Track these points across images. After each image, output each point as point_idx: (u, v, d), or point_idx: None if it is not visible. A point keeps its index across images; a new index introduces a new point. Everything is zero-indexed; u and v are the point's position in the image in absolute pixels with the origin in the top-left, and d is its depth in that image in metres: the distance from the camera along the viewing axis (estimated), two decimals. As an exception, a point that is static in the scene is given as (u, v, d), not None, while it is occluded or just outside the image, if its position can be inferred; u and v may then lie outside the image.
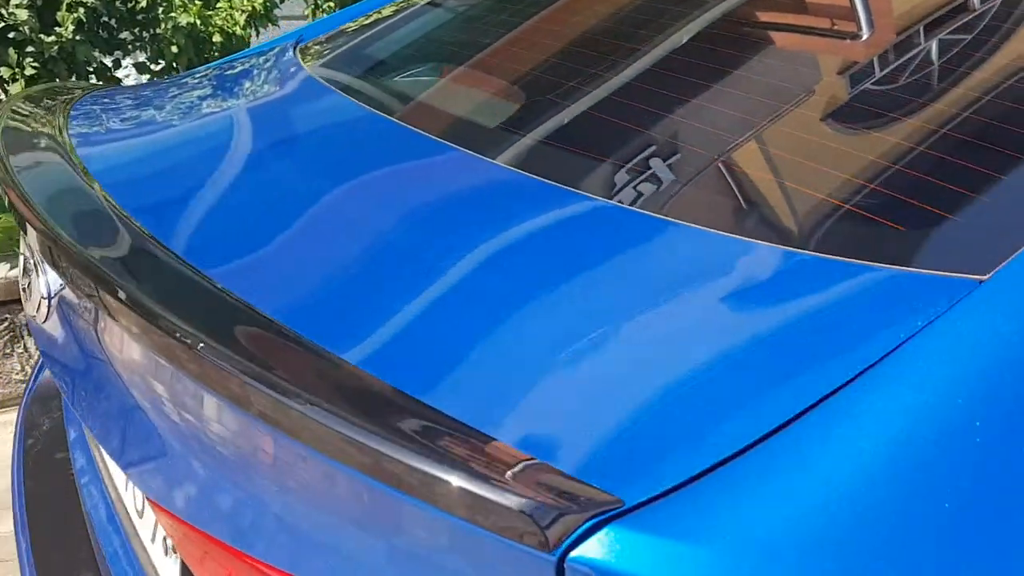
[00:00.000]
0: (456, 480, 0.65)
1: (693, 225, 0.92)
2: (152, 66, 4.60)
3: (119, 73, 4.75)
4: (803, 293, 0.83)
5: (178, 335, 0.81)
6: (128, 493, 1.20)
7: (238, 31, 4.59)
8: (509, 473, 0.65)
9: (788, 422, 0.67)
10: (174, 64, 4.49)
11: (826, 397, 0.68)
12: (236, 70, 1.66)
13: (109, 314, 0.94)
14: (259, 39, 5.06)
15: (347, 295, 0.91)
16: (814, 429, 0.67)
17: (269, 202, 1.10)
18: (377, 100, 1.33)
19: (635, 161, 1.06)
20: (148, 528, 1.12)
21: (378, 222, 1.00)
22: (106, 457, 1.21)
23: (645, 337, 0.78)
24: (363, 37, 1.70)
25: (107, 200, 1.08)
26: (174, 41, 4.32)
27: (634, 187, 1.01)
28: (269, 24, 4.72)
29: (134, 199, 1.10)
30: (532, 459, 0.66)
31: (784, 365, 0.73)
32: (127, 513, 1.20)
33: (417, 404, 0.72)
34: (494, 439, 0.69)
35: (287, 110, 1.39)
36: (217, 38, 4.50)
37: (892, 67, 1.12)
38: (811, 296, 0.83)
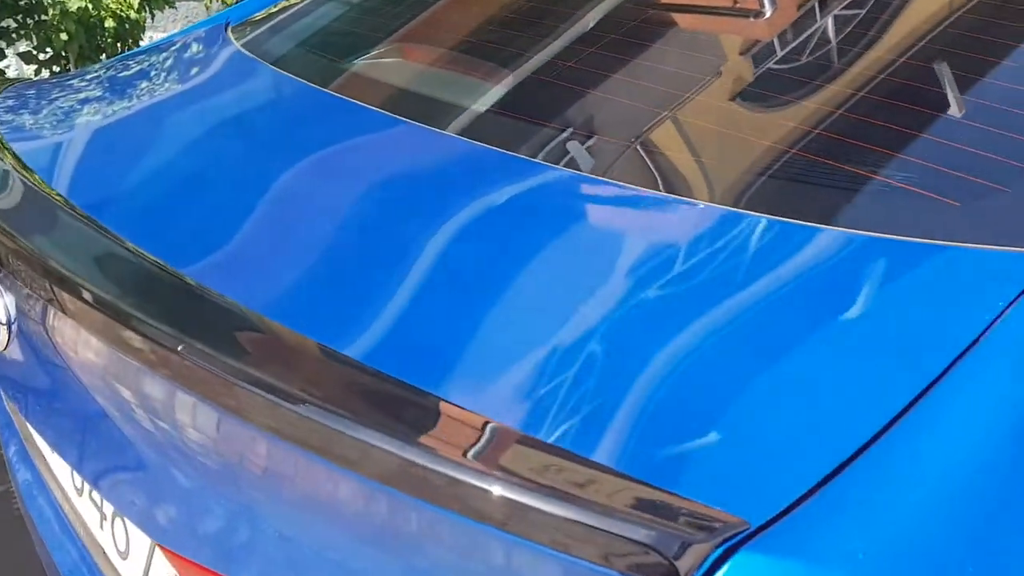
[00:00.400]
0: (560, 511, 0.59)
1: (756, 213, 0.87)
2: (39, 55, 4.30)
3: (0, 64, 4.43)
4: (876, 279, 0.79)
5: (153, 336, 0.78)
6: (85, 503, 1.15)
7: (132, 15, 4.32)
8: (619, 499, 0.60)
9: (897, 416, 0.63)
10: (63, 52, 4.21)
11: (930, 386, 0.65)
12: (170, 56, 1.57)
13: (75, 317, 0.88)
14: (154, 23, 4.80)
15: (349, 291, 0.85)
16: (924, 422, 0.63)
17: (230, 189, 1.06)
18: (328, 79, 1.29)
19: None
20: (109, 537, 1.08)
21: (346, 204, 0.98)
22: (55, 469, 1.17)
23: (726, 332, 0.73)
24: (302, 15, 1.62)
25: (58, 198, 1.02)
26: (63, 28, 4.03)
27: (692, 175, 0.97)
28: (165, 6, 4.46)
29: (86, 195, 1.04)
30: (639, 480, 0.61)
31: (878, 355, 0.69)
32: (84, 524, 1.16)
33: (490, 422, 0.66)
34: (594, 461, 0.62)
35: (233, 94, 1.33)
36: (110, 23, 4.22)
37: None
38: (888, 282, 0.78)
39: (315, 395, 0.70)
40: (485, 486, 0.61)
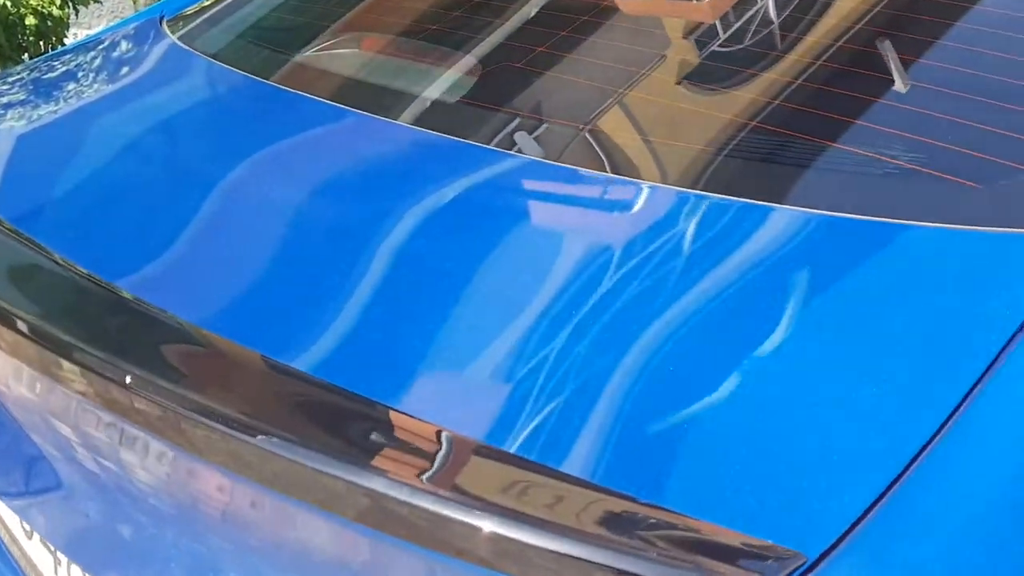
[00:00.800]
0: (613, 561, 0.54)
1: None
2: (-44, 56, 4.07)
3: (-86, 67, 4.19)
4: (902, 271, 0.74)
5: (93, 366, 0.72)
6: (36, 547, 1.08)
7: (55, 11, 4.12)
8: (672, 541, 0.55)
9: (942, 426, 0.60)
10: (-18, 53, 3.99)
11: (973, 389, 0.62)
12: (103, 53, 1.47)
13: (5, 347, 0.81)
14: (78, 19, 4.59)
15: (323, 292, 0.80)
16: (972, 426, 0.60)
17: (178, 193, 1.00)
18: (272, 71, 1.24)
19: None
20: (39, 549, 1.02)
21: (295, 200, 0.95)
22: (1, 512, 1.09)
23: (745, 343, 0.68)
24: (240, 6, 1.54)
25: None
26: (-20, 27, 3.83)
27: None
28: (90, 1, 4.26)
29: (13, 208, 0.97)
30: (686, 517, 0.56)
31: (912, 362, 0.65)
32: (13, 538, 1.10)
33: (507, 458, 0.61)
34: (637, 499, 0.57)
35: (173, 91, 1.27)
36: (31, 20, 4.02)
37: None
38: (920, 274, 0.73)
39: (280, 431, 0.65)
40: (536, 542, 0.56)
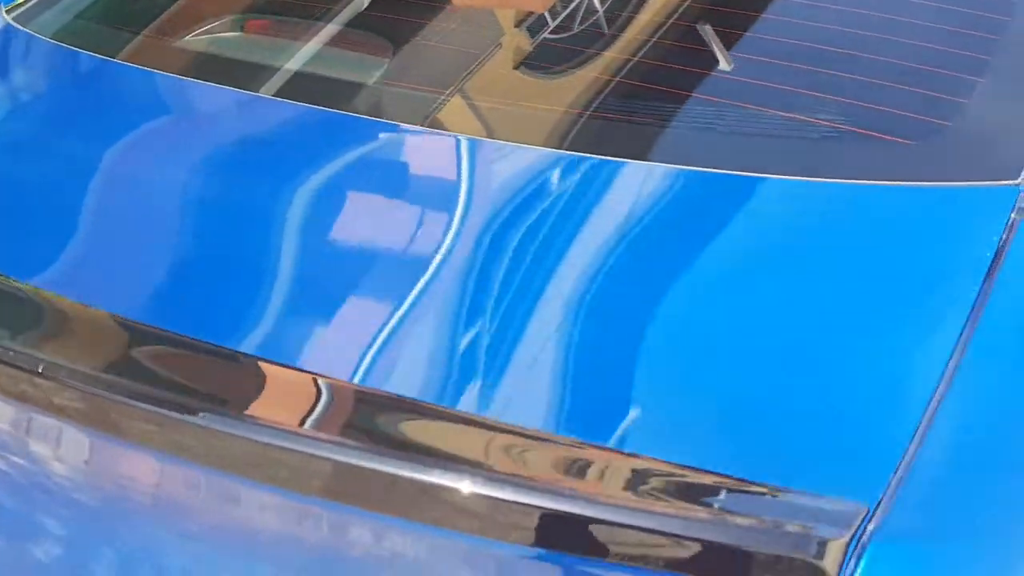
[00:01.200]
0: (686, 530, 0.56)
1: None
2: None
3: None
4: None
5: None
6: None
7: None
8: (738, 506, 0.57)
9: (950, 359, 0.62)
10: None
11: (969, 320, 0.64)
12: None
13: None
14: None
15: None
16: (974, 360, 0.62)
17: (31, 184, 0.98)
18: (118, 50, 1.19)
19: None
20: None
21: (159, 180, 0.93)
22: None
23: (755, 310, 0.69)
24: None
25: None
26: None
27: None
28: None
29: None
30: (747, 481, 0.58)
31: (906, 307, 0.68)
32: None
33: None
34: (700, 468, 0.58)
35: (13, 76, 1.23)
36: None
37: None
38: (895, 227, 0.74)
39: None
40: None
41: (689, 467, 0.58)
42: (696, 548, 0.55)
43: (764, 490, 0.57)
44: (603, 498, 0.59)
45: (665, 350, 0.68)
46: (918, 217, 0.74)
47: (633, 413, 0.64)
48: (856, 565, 0.53)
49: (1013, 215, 0.70)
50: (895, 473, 0.56)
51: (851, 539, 0.54)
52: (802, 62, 0.93)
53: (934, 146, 0.81)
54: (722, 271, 0.71)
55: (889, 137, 0.83)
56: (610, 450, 0.61)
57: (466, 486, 0.59)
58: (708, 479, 0.58)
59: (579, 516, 0.57)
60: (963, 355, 0.62)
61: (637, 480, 0.60)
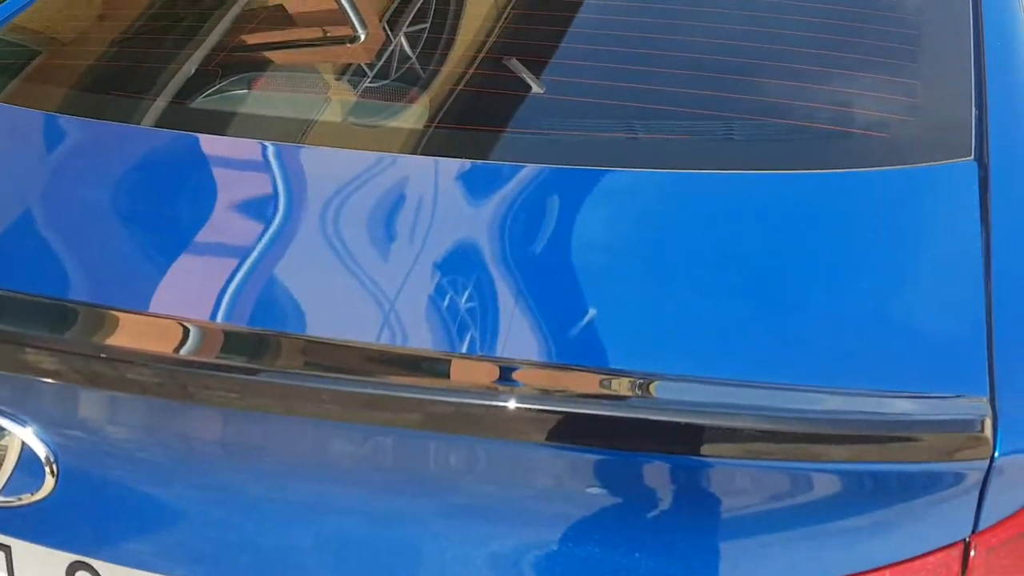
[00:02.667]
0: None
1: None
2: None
3: None
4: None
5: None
6: None
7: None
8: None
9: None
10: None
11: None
12: None
13: None
14: None
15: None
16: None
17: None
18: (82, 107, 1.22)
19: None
20: None
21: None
22: None
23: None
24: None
25: None
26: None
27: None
28: None
29: None
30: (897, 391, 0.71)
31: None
32: None
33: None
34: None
35: None
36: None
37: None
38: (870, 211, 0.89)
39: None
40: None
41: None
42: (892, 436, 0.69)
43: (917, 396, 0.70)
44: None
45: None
46: (917, 188, 0.91)
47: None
48: (998, 429, 0.68)
49: (980, 173, 0.90)
50: (991, 359, 0.71)
51: (991, 414, 0.68)
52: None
53: (902, 137, 0.99)
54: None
55: (867, 132, 1.00)
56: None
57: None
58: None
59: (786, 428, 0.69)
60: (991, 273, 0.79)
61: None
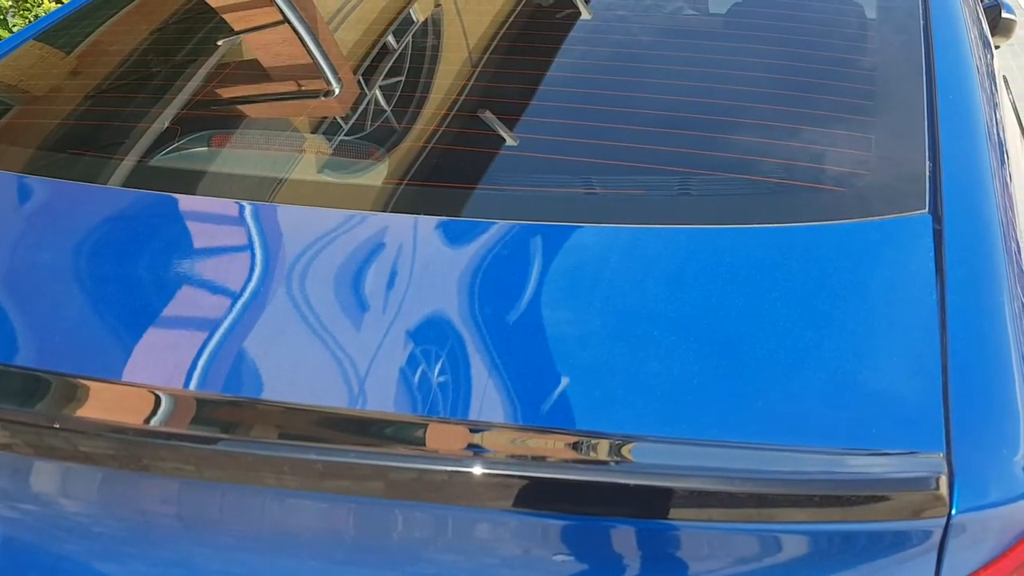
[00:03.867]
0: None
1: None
2: None
3: None
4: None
5: None
6: None
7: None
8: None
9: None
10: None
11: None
12: None
13: None
14: None
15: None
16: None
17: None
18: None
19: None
20: None
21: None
22: None
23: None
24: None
25: None
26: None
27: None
28: None
29: None
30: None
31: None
32: None
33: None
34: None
35: None
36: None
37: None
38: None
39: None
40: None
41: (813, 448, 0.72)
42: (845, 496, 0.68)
43: (869, 454, 0.70)
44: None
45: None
46: (874, 243, 0.92)
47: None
48: (955, 486, 0.68)
49: (935, 226, 0.92)
50: (947, 414, 0.71)
51: (947, 471, 0.68)
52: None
53: (856, 190, 1.00)
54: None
55: (824, 186, 1.01)
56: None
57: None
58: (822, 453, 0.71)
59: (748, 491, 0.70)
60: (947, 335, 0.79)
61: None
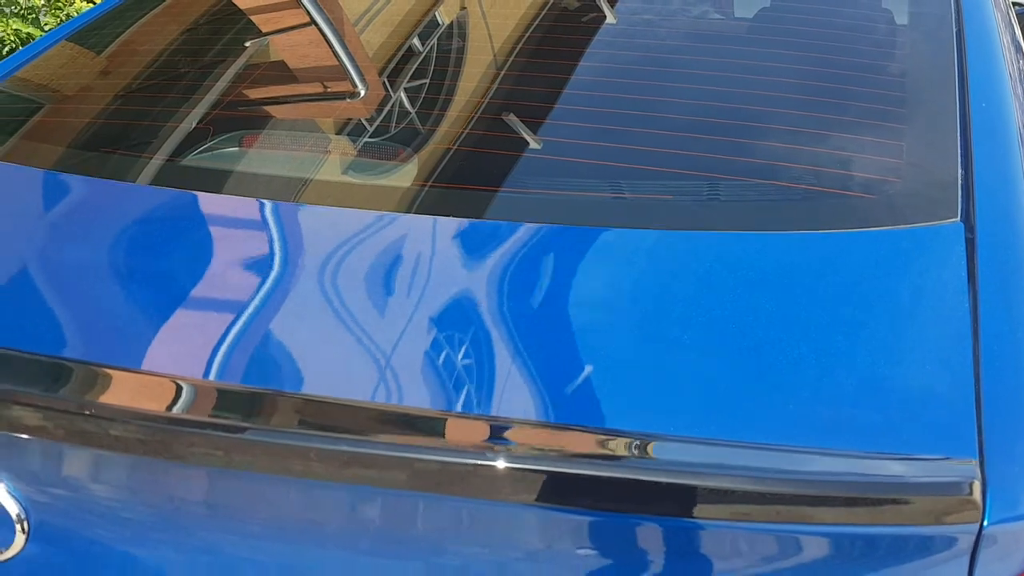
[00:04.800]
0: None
1: None
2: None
3: None
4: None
5: None
6: None
7: None
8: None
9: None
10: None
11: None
12: None
13: None
14: None
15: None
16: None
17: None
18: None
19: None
20: None
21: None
22: None
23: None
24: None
25: None
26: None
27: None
28: None
29: None
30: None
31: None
32: None
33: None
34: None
35: None
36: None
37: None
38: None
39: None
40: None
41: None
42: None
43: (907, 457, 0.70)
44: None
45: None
46: (906, 249, 0.91)
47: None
48: (987, 497, 0.67)
49: (967, 235, 0.91)
50: (979, 419, 0.71)
51: (980, 478, 0.68)
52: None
53: (888, 198, 0.99)
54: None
55: (854, 193, 1.01)
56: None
57: None
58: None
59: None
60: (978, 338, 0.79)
61: None
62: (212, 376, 0.81)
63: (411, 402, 0.78)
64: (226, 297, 0.91)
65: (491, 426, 0.75)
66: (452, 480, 0.72)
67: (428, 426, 0.77)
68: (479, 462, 0.71)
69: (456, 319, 0.85)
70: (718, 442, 0.71)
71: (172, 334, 0.87)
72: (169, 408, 0.79)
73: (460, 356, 0.81)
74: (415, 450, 0.74)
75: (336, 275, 0.92)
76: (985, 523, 0.66)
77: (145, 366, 0.83)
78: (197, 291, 0.93)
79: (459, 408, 0.76)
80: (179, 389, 0.80)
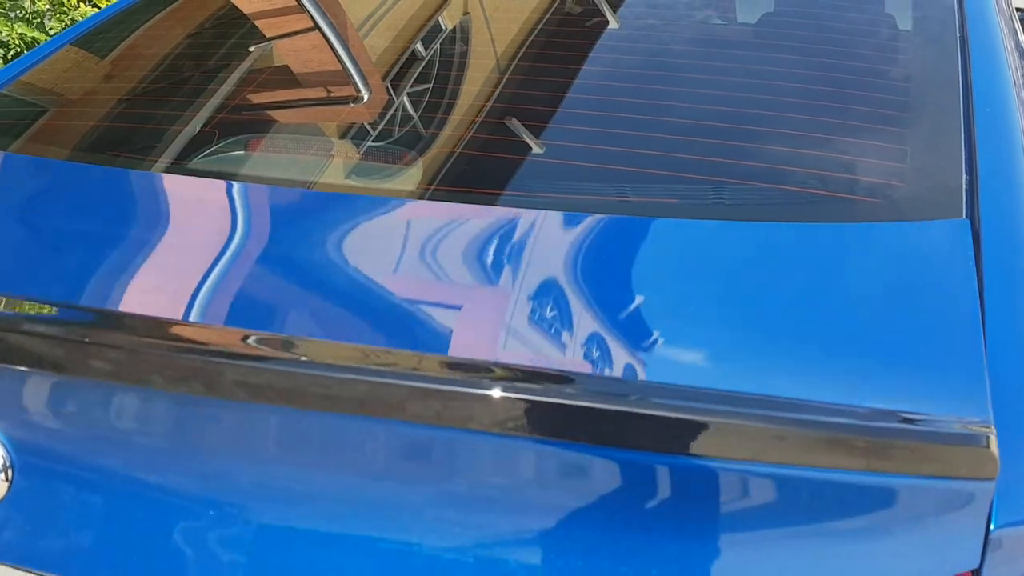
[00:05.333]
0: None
1: None
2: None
3: None
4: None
5: None
6: None
7: None
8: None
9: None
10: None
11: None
12: None
13: None
14: None
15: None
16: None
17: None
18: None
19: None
20: None
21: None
22: None
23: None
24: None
25: None
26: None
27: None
28: None
29: None
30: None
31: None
32: None
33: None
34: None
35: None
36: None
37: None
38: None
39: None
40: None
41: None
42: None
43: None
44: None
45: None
46: (920, 240, 0.93)
47: None
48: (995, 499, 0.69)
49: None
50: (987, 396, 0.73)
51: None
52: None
53: (896, 203, 1.00)
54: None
55: (857, 197, 1.01)
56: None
57: None
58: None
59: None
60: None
61: None
62: (200, 317, 0.86)
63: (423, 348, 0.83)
64: (218, 253, 0.95)
65: (495, 366, 0.79)
66: (458, 412, 0.75)
67: (430, 363, 0.80)
68: (479, 392, 0.74)
69: (471, 278, 0.91)
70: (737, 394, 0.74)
71: (165, 283, 0.91)
72: (157, 339, 0.82)
73: (455, 311, 0.88)
74: (420, 379, 0.76)
75: (338, 260, 0.95)
76: (992, 528, 0.67)
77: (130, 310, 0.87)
78: (189, 267, 0.94)
79: (470, 356, 0.81)
80: (164, 324, 0.84)
